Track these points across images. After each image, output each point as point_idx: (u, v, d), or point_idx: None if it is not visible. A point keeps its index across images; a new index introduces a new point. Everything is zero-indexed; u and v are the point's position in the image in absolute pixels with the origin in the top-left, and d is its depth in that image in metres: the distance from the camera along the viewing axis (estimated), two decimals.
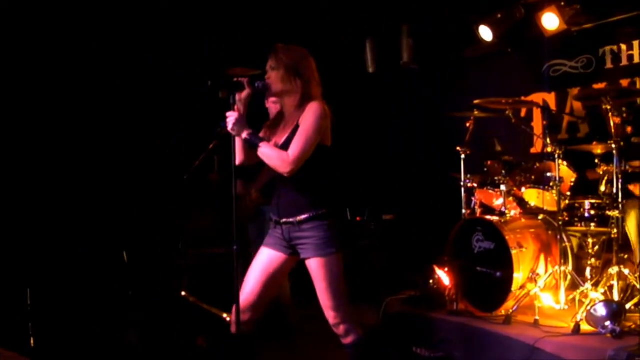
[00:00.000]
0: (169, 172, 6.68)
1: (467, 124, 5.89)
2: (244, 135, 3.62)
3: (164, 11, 6.80)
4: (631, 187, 5.17)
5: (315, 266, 3.66)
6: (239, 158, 3.74)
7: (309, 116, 3.63)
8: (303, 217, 3.66)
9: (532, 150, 6.83)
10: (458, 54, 7.41)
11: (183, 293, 6.14)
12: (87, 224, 6.52)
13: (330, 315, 3.71)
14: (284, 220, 3.73)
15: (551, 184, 5.21)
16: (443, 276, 5.67)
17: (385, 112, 8.25)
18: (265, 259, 3.81)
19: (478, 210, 5.84)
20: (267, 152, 3.62)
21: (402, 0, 7.27)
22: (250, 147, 3.65)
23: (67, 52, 6.45)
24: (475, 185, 5.78)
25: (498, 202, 5.83)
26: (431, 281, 5.84)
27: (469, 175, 5.82)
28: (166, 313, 6.02)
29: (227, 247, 6.75)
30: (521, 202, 5.69)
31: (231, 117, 3.61)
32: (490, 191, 5.78)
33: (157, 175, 6.88)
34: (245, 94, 3.69)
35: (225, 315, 5.46)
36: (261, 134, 3.82)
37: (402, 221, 7.57)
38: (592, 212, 5.26)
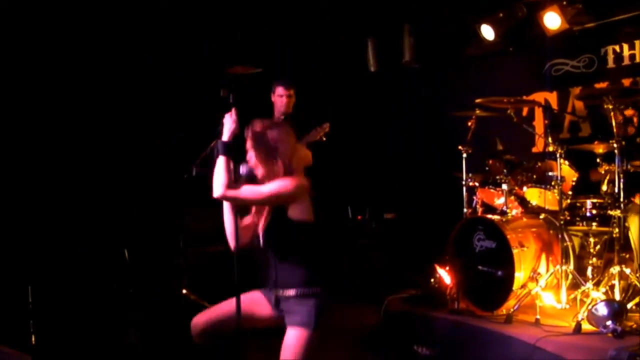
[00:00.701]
0: (169, 171, 6.71)
1: (469, 123, 5.89)
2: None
3: (164, 11, 6.80)
4: (637, 200, 5.14)
5: (291, 336, 3.63)
6: (233, 244, 3.69)
7: (274, 183, 3.58)
8: (290, 293, 3.67)
9: (534, 150, 6.80)
10: (459, 53, 7.41)
11: (184, 291, 6.15)
12: (88, 222, 6.53)
13: None
14: (274, 290, 3.75)
15: (553, 183, 5.20)
16: (444, 275, 5.66)
17: (386, 111, 8.25)
18: (251, 300, 3.77)
19: (479, 210, 5.83)
20: (219, 166, 3.58)
21: (404, 0, 7.26)
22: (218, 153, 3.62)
23: (68, 52, 6.46)
24: (476, 184, 5.78)
25: (499, 201, 5.82)
26: (432, 280, 5.84)
27: (470, 174, 5.81)
28: (167, 312, 6.02)
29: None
30: (522, 202, 5.68)
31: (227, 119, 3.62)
32: (492, 190, 5.77)
33: (158, 174, 6.88)
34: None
35: None
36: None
37: (403, 220, 7.56)
38: (594, 212, 5.25)
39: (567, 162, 5.31)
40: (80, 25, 6.44)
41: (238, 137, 3.67)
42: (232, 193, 3.56)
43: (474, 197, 5.84)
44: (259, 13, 7.21)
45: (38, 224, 6.16)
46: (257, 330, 3.89)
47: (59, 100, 6.44)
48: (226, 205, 3.67)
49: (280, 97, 5.83)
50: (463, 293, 5.33)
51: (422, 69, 7.57)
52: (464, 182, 5.82)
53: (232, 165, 3.58)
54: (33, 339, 5.31)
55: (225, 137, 3.59)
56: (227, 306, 3.75)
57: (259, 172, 3.65)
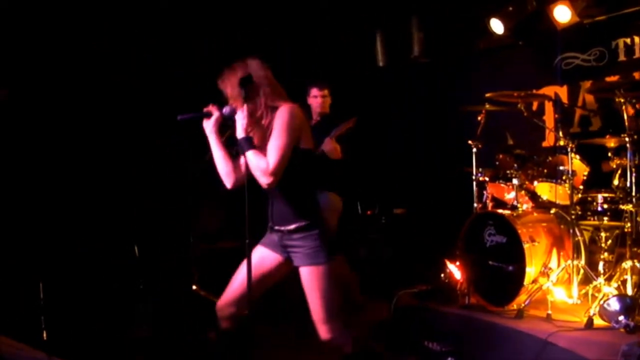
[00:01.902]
0: (177, 167, 6.73)
1: (479, 118, 5.86)
2: (239, 137, 3.57)
3: (163, 11, 6.79)
4: None
5: (305, 275, 3.65)
6: (229, 183, 3.73)
7: (279, 122, 3.54)
8: (292, 226, 3.66)
9: (544, 144, 6.79)
10: (469, 47, 7.38)
11: (194, 287, 6.16)
12: (99, 218, 6.54)
13: (321, 329, 3.66)
14: (277, 227, 3.73)
15: (564, 177, 5.19)
16: (454, 270, 5.65)
17: (395, 106, 8.23)
18: (258, 257, 3.78)
19: (490, 204, 5.82)
20: (251, 161, 3.53)
21: None
22: (238, 148, 3.58)
23: (69, 53, 6.45)
24: (486, 179, 5.76)
25: (509, 195, 5.80)
26: (442, 275, 5.83)
27: (480, 169, 5.79)
28: (177, 307, 6.05)
29: (238, 240, 6.83)
30: (533, 196, 5.66)
31: (239, 115, 3.59)
32: (502, 185, 5.75)
33: (168, 169, 6.89)
34: (214, 123, 3.67)
35: None
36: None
37: (412, 215, 7.55)
38: (605, 206, 5.24)
39: (578, 156, 5.30)
40: (80, 26, 6.43)
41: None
42: (270, 172, 3.48)
43: (484, 192, 5.83)
44: (263, 9, 7.19)
45: (49, 221, 6.17)
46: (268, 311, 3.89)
47: (63, 98, 6.44)
48: (214, 144, 3.68)
49: (315, 98, 5.88)
50: (474, 288, 5.31)
51: (431, 63, 7.53)
52: (474, 177, 5.79)
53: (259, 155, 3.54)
54: (44, 335, 5.33)
55: (241, 134, 3.56)
56: (240, 277, 3.74)
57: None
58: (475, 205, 5.81)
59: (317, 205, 3.75)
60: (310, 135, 3.69)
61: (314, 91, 5.88)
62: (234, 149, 3.66)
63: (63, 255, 6.13)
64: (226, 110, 3.64)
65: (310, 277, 3.63)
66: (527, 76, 6.87)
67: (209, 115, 3.67)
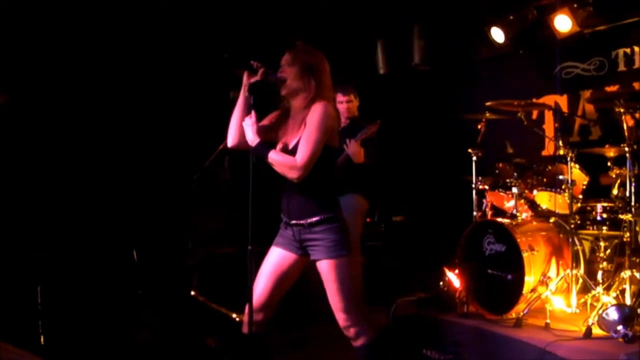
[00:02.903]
0: (179, 171, 6.73)
1: (479, 126, 5.87)
2: (253, 144, 3.60)
3: (170, 10, 6.80)
4: None
5: (326, 268, 3.65)
6: (232, 140, 3.76)
7: (314, 118, 3.60)
8: (313, 219, 3.65)
9: (543, 153, 6.80)
10: (469, 55, 7.39)
11: (192, 293, 6.16)
12: (98, 223, 6.54)
13: (340, 317, 3.68)
14: (294, 222, 3.71)
15: (563, 186, 5.19)
16: (453, 278, 5.65)
17: (395, 113, 8.22)
18: (276, 259, 3.80)
19: (489, 213, 5.82)
20: (276, 159, 3.60)
21: (414, 2, 7.24)
22: (258, 157, 3.61)
23: (77, 55, 6.47)
24: (486, 187, 5.76)
25: (509, 204, 5.81)
26: (441, 283, 5.83)
27: (480, 178, 5.79)
28: (176, 312, 6.04)
29: (237, 246, 6.84)
30: (532, 205, 5.66)
31: (247, 122, 3.62)
32: (502, 193, 5.75)
33: (167, 174, 6.89)
34: (253, 79, 3.68)
35: (234, 315, 5.47)
36: (264, 122, 3.81)
37: (411, 223, 7.56)
38: (604, 216, 5.25)
39: (577, 166, 5.30)
40: (86, 28, 6.45)
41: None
42: (299, 166, 3.53)
43: (484, 200, 5.83)
44: (268, 14, 7.20)
45: (46, 224, 6.17)
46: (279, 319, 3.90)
47: (62, 103, 6.45)
48: (240, 99, 3.72)
49: (340, 104, 5.87)
50: (473, 296, 5.32)
51: (431, 71, 7.54)
52: (473, 185, 5.79)
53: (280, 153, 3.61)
54: (42, 340, 5.33)
55: (254, 141, 3.60)
56: (262, 282, 3.76)
57: (291, 84, 3.66)
58: (474, 213, 5.81)
59: (337, 198, 3.75)
60: (337, 135, 3.72)
61: (339, 97, 5.87)
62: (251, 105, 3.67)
63: (61, 260, 6.11)
64: (273, 76, 3.67)
65: (330, 269, 3.63)
66: (527, 85, 6.91)
67: (253, 71, 3.67)
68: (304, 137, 3.58)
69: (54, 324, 5.43)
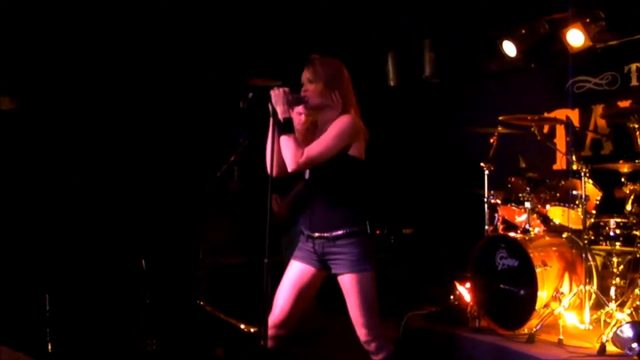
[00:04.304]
0: (189, 180, 6.72)
1: (491, 140, 5.85)
2: (282, 115, 3.54)
3: (183, 23, 6.80)
4: None
5: (348, 282, 3.61)
6: (275, 169, 3.64)
7: (336, 125, 3.59)
8: (338, 232, 3.61)
9: (555, 167, 6.77)
10: (481, 68, 7.38)
11: (200, 302, 6.14)
12: (107, 231, 6.53)
13: (361, 332, 3.66)
14: (318, 234, 3.68)
15: (577, 202, 5.17)
16: (464, 292, 5.63)
17: (405, 126, 8.21)
18: (296, 273, 3.77)
19: (500, 227, 5.79)
20: (287, 143, 3.55)
21: (425, 14, 7.24)
22: (280, 128, 3.56)
23: (91, 63, 6.49)
24: (498, 201, 5.73)
25: (520, 218, 5.79)
26: (452, 297, 5.81)
27: (492, 192, 5.77)
28: (184, 322, 6.02)
29: (247, 256, 6.82)
30: (545, 220, 5.64)
31: (277, 91, 3.56)
32: (514, 208, 5.72)
33: (177, 183, 6.89)
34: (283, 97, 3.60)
35: (243, 326, 5.45)
36: None
37: (421, 236, 7.53)
38: (618, 231, 5.22)
39: (590, 181, 5.27)
40: (102, 39, 6.46)
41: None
42: (302, 159, 3.52)
43: (495, 215, 5.80)
44: (279, 25, 7.21)
45: (56, 232, 6.16)
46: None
47: (75, 106, 6.47)
48: (271, 130, 3.64)
49: (299, 115, 5.80)
50: (484, 311, 5.29)
51: (442, 84, 7.53)
52: (485, 199, 5.77)
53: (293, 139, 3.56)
54: (50, 347, 5.31)
55: (284, 114, 3.55)
56: (282, 296, 3.74)
57: (315, 100, 3.65)
58: (486, 227, 5.77)
59: (363, 212, 3.70)
60: (364, 147, 3.67)
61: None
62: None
63: (69, 267, 6.12)
64: (296, 97, 3.63)
65: (353, 283, 3.59)
66: (538, 99, 6.87)
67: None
68: (320, 138, 3.58)
69: (61, 331, 5.40)
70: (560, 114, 6.76)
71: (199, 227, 6.76)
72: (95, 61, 6.53)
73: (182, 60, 6.98)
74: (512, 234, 5.37)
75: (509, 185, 5.73)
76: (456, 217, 7.06)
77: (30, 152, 6.20)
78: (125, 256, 6.48)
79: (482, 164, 5.79)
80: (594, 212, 5.32)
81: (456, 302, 5.73)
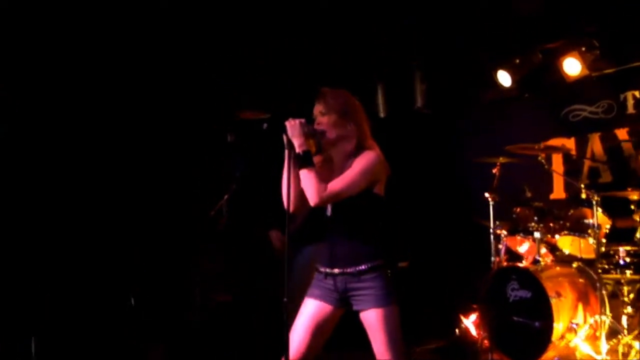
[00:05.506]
0: (178, 219, 6.59)
1: (494, 170, 5.81)
2: (299, 148, 3.46)
3: (171, 56, 6.70)
4: None
5: (374, 318, 3.47)
6: (292, 205, 3.54)
7: (362, 160, 3.49)
8: (362, 267, 3.49)
9: (552, 196, 6.73)
10: (474, 98, 7.35)
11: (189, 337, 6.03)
12: (95, 269, 6.33)
13: None
14: (339, 270, 3.54)
15: (589, 231, 5.11)
16: (470, 325, 5.53)
17: (396, 157, 8.12)
18: (312, 311, 3.62)
19: (504, 257, 5.72)
20: (308, 177, 3.45)
21: (417, 45, 7.21)
22: (299, 161, 3.47)
23: (82, 97, 6.36)
24: (504, 232, 5.66)
25: (522, 248, 5.74)
26: (457, 330, 5.72)
27: (497, 222, 5.70)
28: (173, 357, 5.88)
29: (235, 293, 6.68)
30: (553, 249, 5.58)
31: (293, 122, 3.46)
32: (520, 238, 5.66)
33: (167, 222, 6.76)
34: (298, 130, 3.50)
35: None
36: None
37: (417, 269, 7.42)
38: (627, 259, 5.17)
39: (600, 209, 5.23)
40: (95, 73, 6.35)
41: None
42: (325, 194, 3.42)
43: (500, 246, 5.72)
44: (269, 57, 7.14)
45: (41, 273, 5.98)
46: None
47: (67, 144, 6.31)
48: (286, 164, 3.54)
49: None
50: (496, 344, 5.18)
51: (435, 115, 7.47)
52: (491, 230, 5.69)
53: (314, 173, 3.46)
54: None
55: (301, 147, 3.46)
56: (299, 334, 3.59)
57: (332, 133, 3.54)
58: (492, 259, 5.69)
59: (385, 245, 3.61)
60: (385, 184, 3.58)
61: None
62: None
63: (55, 309, 5.96)
64: (311, 129, 3.52)
65: (379, 319, 3.45)
66: (533, 128, 6.79)
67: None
68: (345, 173, 3.47)
69: None
70: (556, 142, 6.72)
71: (190, 264, 6.66)
72: (89, 99, 6.43)
73: (170, 94, 6.88)
74: (522, 265, 5.30)
75: (514, 216, 5.66)
76: (453, 249, 6.98)
77: (19, 196, 6.03)
78: (114, 294, 6.33)
79: (486, 195, 5.74)
80: (604, 240, 5.27)
81: (462, 336, 5.63)
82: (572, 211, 5.38)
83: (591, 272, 5.12)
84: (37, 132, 6.12)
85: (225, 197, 5.68)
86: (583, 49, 6.24)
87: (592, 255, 5.14)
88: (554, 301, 4.88)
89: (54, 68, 6.15)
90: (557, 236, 5.43)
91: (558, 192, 6.69)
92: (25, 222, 5.98)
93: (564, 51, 6.33)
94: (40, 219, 6.07)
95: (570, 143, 6.74)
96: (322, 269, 3.63)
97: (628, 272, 5.14)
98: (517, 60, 6.70)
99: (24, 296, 5.81)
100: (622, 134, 6.32)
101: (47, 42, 6.02)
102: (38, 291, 5.90)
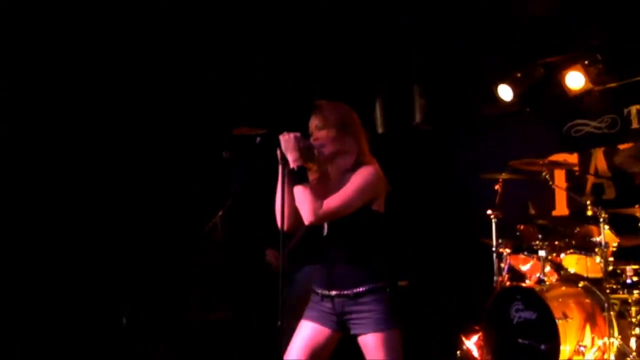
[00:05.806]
0: (178, 219, 6.47)
1: (496, 187, 5.67)
2: (294, 163, 3.30)
3: (165, 72, 6.65)
4: None
5: (373, 342, 3.28)
6: (287, 223, 3.39)
7: (360, 175, 3.32)
8: (361, 289, 3.30)
9: (554, 213, 6.58)
10: (474, 113, 7.22)
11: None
12: (95, 270, 6.33)
13: None
14: (336, 292, 3.37)
15: (596, 249, 4.95)
16: (472, 347, 5.36)
17: (394, 174, 7.97)
18: (309, 334, 3.44)
19: (506, 276, 5.56)
20: (303, 194, 3.29)
21: (417, 58, 7.09)
22: (293, 177, 3.31)
23: (82, 98, 6.34)
24: (508, 250, 5.50)
25: (525, 267, 5.58)
26: (458, 352, 5.55)
27: (500, 240, 5.54)
28: None
29: (228, 311, 6.61)
30: (557, 268, 5.41)
31: (288, 136, 3.31)
32: (523, 256, 5.50)
33: (159, 240, 6.64)
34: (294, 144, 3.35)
35: None
36: None
37: (416, 288, 7.26)
38: (635, 279, 5.01)
39: (607, 227, 5.07)
40: (94, 87, 6.32)
41: None
42: (321, 212, 3.24)
43: (503, 265, 5.56)
44: (265, 73, 7.03)
45: (41, 273, 6.01)
46: None
47: (61, 142, 6.29)
48: (280, 180, 3.39)
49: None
50: None
51: (434, 130, 7.32)
52: (494, 249, 5.53)
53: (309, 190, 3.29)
54: None
55: (296, 162, 3.30)
56: (295, 356, 3.40)
57: (329, 148, 3.38)
58: (495, 278, 5.53)
59: (385, 266, 3.42)
60: (384, 201, 3.41)
61: None
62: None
63: (46, 331, 5.94)
64: (307, 144, 3.36)
65: (379, 344, 3.26)
66: (535, 143, 6.67)
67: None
68: (342, 190, 3.29)
69: None
70: (558, 158, 6.56)
71: (181, 283, 6.58)
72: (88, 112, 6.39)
73: (165, 110, 6.78)
74: (526, 285, 5.13)
75: (518, 233, 5.51)
76: (455, 267, 6.83)
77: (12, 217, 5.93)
78: (105, 313, 6.28)
79: (489, 212, 5.57)
80: (611, 259, 5.11)
81: (464, 358, 5.46)
82: (577, 229, 5.22)
83: (599, 293, 4.95)
84: (37, 132, 6.08)
85: (220, 213, 5.54)
86: (586, 62, 6.14)
87: (598, 274, 4.98)
88: (560, 322, 4.70)
89: (54, 69, 6.12)
90: (562, 255, 5.25)
91: (561, 209, 6.54)
92: (25, 222, 5.96)
93: (567, 65, 6.24)
94: (41, 219, 6.06)
95: (573, 158, 6.60)
96: (319, 291, 3.46)
97: (636, 291, 4.99)
98: (519, 74, 6.58)
99: (24, 296, 5.81)
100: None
101: (47, 42, 5.99)
102: (38, 291, 5.92)
